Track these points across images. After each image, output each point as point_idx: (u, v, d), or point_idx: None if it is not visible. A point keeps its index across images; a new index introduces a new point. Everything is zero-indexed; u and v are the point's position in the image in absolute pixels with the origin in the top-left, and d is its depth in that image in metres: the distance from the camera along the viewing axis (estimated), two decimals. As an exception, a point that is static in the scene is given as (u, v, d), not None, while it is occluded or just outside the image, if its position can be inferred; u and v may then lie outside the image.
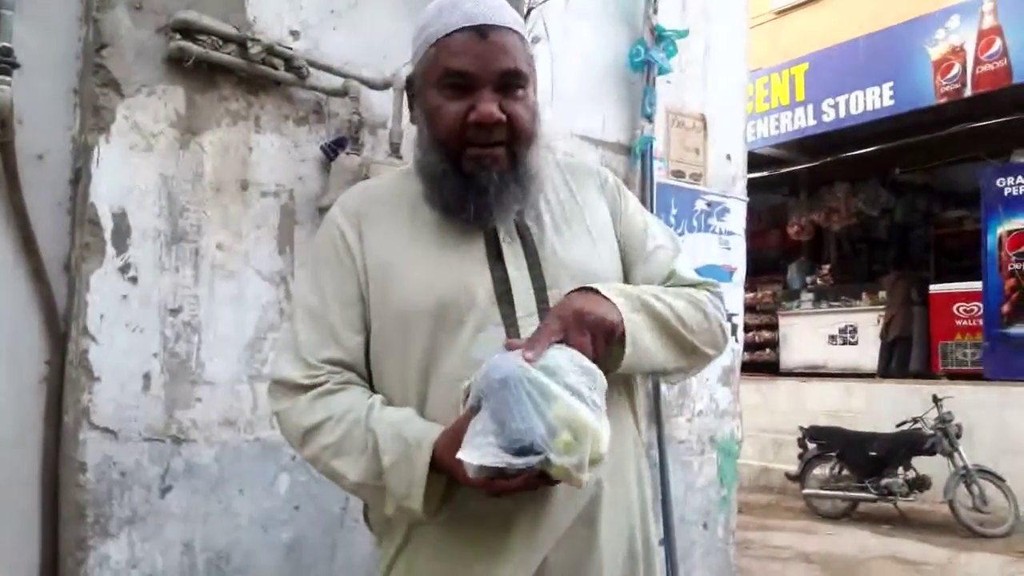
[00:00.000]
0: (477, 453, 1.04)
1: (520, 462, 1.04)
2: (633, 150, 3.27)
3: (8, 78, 2.02)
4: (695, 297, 1.36)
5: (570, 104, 3.15)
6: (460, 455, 1.05)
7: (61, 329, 2.23)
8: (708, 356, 1.38)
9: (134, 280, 2.20)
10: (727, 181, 3.68)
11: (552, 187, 1.40)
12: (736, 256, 3.68)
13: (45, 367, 2.22)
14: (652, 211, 3.33)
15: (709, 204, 3.58)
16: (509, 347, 1.15)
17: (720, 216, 3.61)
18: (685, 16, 3.54)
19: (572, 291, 1.24)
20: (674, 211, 3.45)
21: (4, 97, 2.00)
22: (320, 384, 1.26)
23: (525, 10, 2.61)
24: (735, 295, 3.65)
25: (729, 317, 3.72)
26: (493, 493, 1.10)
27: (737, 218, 3.69)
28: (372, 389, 1.31)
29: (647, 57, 3.22)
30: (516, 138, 1.27)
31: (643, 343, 1.24)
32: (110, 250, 2.17)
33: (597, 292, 1.23)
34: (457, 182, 1.26)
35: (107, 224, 2.17)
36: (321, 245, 1.38)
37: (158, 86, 2.25)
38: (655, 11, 3.32)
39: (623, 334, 1.21)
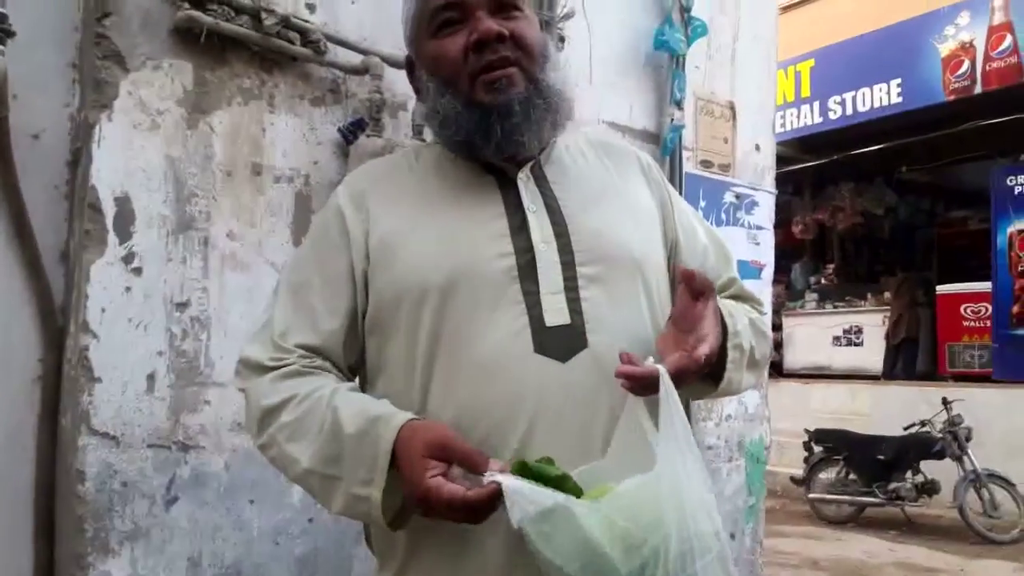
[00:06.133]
0: None
1: None
2: (663, 139, 3.09)
3: (2, 47, 1.83)
4: (764, 326, 1.29)
5: (596, 89, 2.99)
6: None
7: (58, 324, 2.04)
8: None
9: (138, 271, 2.02)
10: (756, 173, 3.53)
11: (585, 160, 1.28)
12: (765, 251, 3.53)
13: (39, 365, 2.04)
14: (681, 203, 3.16)
15: (738, 196, 3.42)
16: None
17: (749, 209, 3.45)
18: (714, 0, 3.38)
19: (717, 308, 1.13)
20: (702, 203, 3.29)
21: (-3, 68, 1.82)
22: (287, 365, 1.12)
23: (559, -16, 2.44)
24: (764, 293, 3.49)
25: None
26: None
27: (766, 212, 3.54)
28: (351, 379, 1.18)
29: (666, 39, 3.05)
30: (527, 55, 1.15)
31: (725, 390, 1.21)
32: (112, 238, 1.98)
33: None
34: (477, 112, 1.13)
35: (109, 210, 1.98)
36: (318, 223, 1.26)
37: (165, 60, 2.07)
38: (685, -7, 3.16)
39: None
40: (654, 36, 3.13)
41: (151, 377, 2.03)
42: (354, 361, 1.19)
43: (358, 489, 1.01)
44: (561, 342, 1.08)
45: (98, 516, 1.94)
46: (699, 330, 1.06)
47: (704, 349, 1.04)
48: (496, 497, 0.91)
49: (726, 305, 1.19)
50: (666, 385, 0.98)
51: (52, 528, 2.02)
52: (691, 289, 1.07)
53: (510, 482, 0.91)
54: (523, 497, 0.89)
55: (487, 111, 1.12)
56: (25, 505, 2.01)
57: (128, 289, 2.00)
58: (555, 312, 1.09)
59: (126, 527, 1.98)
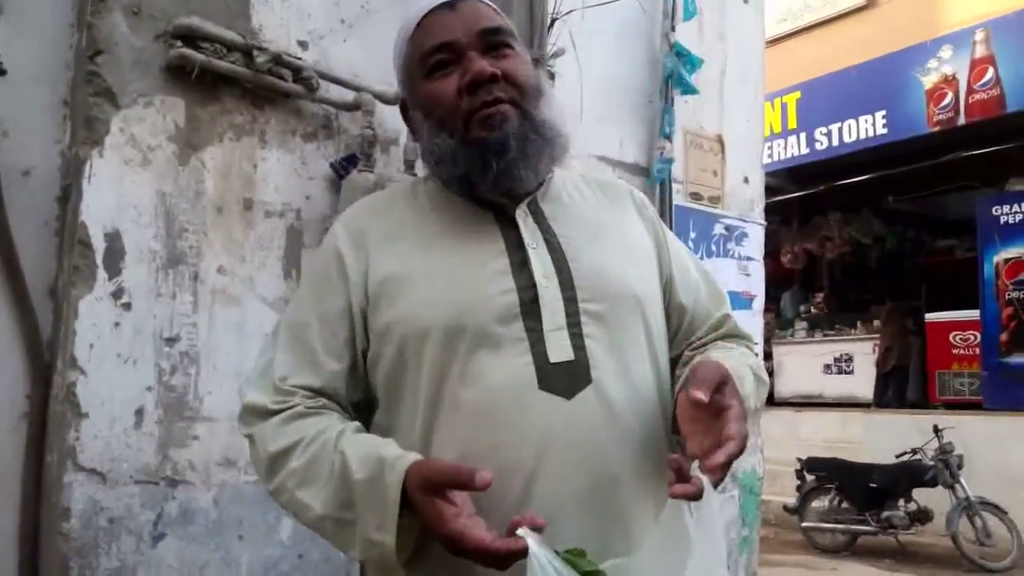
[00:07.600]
0: None
1: None
2: (651, 171, 3.12)
3: (-7, 84, 1.84)
4: (762, 371, 1.24)
5: (586, 123, 3.01)
6: None
7: (45, 360, 2.03)
8: None
9: (127, 306, 2.01)
10: (745, 205, 3.55)
11: (582, 197, 1.28)
12: (755, 283, 3.54)
13: (26, 402, 2.02)
14: (671, 235, 3.19)
15: (727, 228, 3.44)
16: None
17: (739, 241, 3.47)
18: (702, 36, 3.43)
19: (723, 366, 1.06)
20: (692, 235, 3.31)
21: (-12, 105, 1.82)
22: (292, 407, 1.10)
23: (548, 21, 2.47)
24: (755, 324, 3.50)
25: (750, 347, 3.58)
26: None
27: (755, 243, 3.56)
28: (357, 419, 1.15)
29: (677, 77, 3.09)
30: (521, 92, 1.15)
31: None
32: (101, 274, 1.98)
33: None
34: (472, 150, 1.13)
35: (99, 245, 1.98)
36: (316, 262, 1.25)
37: (156, 97, 2.08)
38: (673, 29, 3.20)
39: None
40: (665, 75, 3.16)
41: (139, 412, 2.01)
42: (358, 399, 1.17)
43: (372, 535, 0.99)
44: (565, 379, 1.08)
45: (83, 554, 1.92)
46: (727, 423, 0.98)
47: (733, 448, 0.97)
48: (520, 554, 0.90)
49: (732, 366, 1.12)
50: (708, 495, 0.95)
51: (36, 567, 1.98)
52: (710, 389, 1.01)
53: (537, 549, 0.89)
54: (545, 571, 0.88)
55: (483, 147, 1.12)
56: (8, 543, 1.98)
57: (117, 324, 1.99)
58: (558, 349, 1.09)
59: (112, 565, 1.96)
